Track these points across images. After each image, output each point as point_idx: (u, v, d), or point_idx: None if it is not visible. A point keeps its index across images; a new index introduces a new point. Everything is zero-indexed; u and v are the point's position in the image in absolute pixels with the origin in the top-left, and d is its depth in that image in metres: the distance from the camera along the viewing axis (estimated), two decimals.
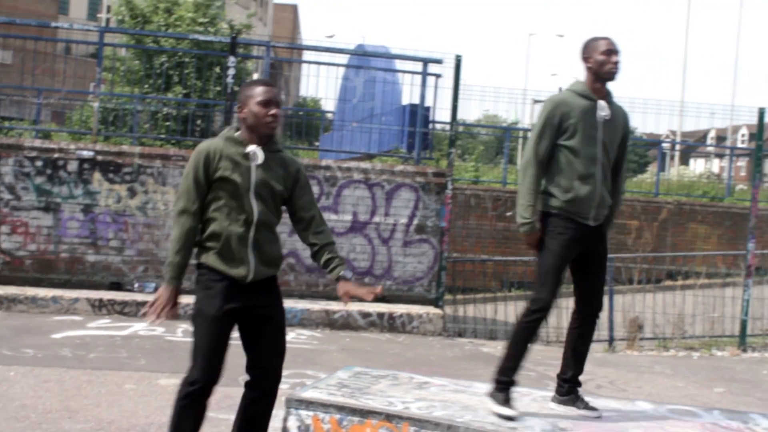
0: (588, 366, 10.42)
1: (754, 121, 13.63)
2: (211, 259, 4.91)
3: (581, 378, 6.21)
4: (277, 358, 5.12)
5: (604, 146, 5.91)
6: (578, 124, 5.82)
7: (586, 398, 6.13)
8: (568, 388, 6.14)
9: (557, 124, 5.82)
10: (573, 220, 5.88)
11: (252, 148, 4.94)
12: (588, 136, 5.85)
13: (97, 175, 12.62)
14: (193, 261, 4.97)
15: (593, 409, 6.00)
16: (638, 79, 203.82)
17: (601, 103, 5.91)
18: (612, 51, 5.89)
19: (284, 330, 5.22)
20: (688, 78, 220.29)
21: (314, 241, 5.16)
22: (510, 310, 13.84)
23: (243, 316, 5.01)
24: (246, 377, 5.11)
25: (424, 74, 14.07)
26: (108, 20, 38.26)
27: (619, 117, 6.01)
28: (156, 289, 12.43)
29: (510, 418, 5.72)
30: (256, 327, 5.04)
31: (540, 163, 5.85)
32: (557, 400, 6.18)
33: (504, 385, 5.92)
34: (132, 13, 25.44)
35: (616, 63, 5.89)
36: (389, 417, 5.60)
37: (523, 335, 5.97)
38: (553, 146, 5.84)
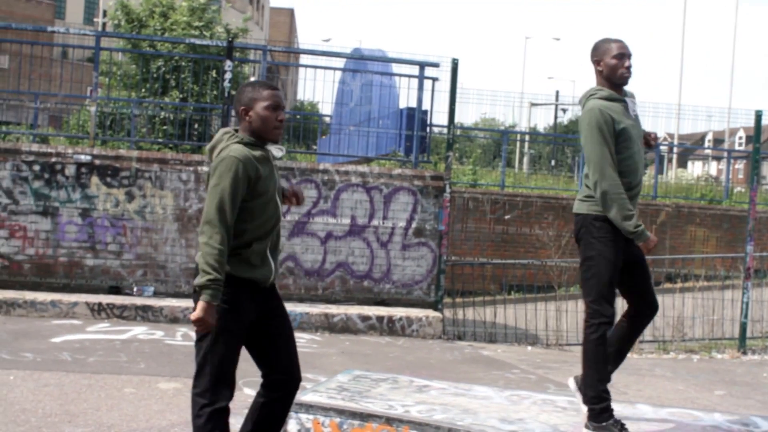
0: None
1: (751, 123, 13.63)
2: (235, 267, 4.72)
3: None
4: (296, 355, 5.03)
5: (640, 143, 5.85)
6: (624, 125, 5.69)
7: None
8: None
9: (612, 128, 5.64)
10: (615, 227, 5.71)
11: (270, 146, 4.85)
12: (633, 135, 5.75)
13: (94, 180, 12.60)
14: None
15: None
16: (635, 82, 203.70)
17: (629, 100, 5.82)
18: (624, 55, 5.75)
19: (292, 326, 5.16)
20: (684, 81, 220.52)
21: None
22: (509, 313, 13.83)
23: (258, 323, 4.90)
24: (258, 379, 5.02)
25: (421, 78, 14.05)
26: (104, 24, 38.26)
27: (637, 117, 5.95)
28: (155, 293, 12.47)
29: None
30: (273, 329, 4.94)
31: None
32: None
33: (610, 412, 5.73)
34: (128, 18, 25.44)
35: (628, 68, 5.75)
36: (389, 420, 5.60)
37: (600, 351, 5.74)
38: None
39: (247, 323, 4.81)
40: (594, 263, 5.70)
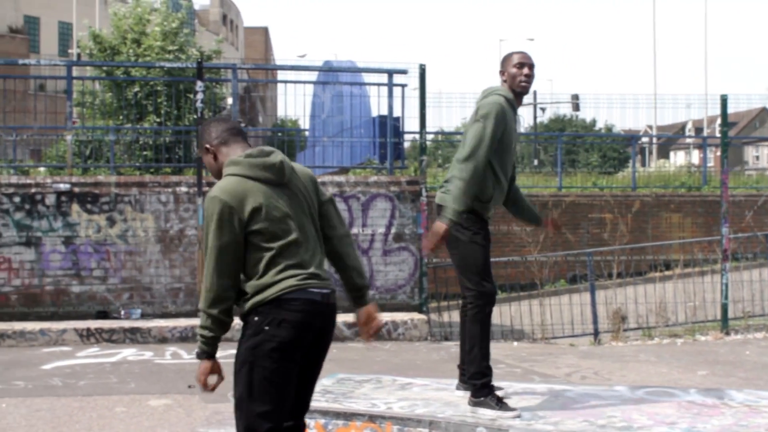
0: (573, 359, 10.63)
1: (730, 110, 13.80)
2: None
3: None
4: None
5: (513, 157, 6.28)
6: (510, 133, 6.10)
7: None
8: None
9: (501, 132, 6.02)
10: (482, 219, 6.18)
11: None
12: (512, 145, 6.17)
13: (75, 207, 12.70)
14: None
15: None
16: (611, 77, 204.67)
17: (519, 116, 6.26)
18: (524, 64, 6.16)
19: None
20: (659, 70, 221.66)
21: None
22: (494, 311, 13.94)
23: None
24: None
25: (390, 85, 14.19)
26: (78, 55, 38.34)
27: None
28: (142, 315, 12.57)
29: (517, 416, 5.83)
30: None
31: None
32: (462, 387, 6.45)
33: (489, 387, 6.04)
34: (100, 47, 25.50)
35: (528, 76, 6.16)
36: (372, 418, 5.74)
37: (486, 329, 6.20)
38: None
39: None
40: (468, 251, 6.28)
